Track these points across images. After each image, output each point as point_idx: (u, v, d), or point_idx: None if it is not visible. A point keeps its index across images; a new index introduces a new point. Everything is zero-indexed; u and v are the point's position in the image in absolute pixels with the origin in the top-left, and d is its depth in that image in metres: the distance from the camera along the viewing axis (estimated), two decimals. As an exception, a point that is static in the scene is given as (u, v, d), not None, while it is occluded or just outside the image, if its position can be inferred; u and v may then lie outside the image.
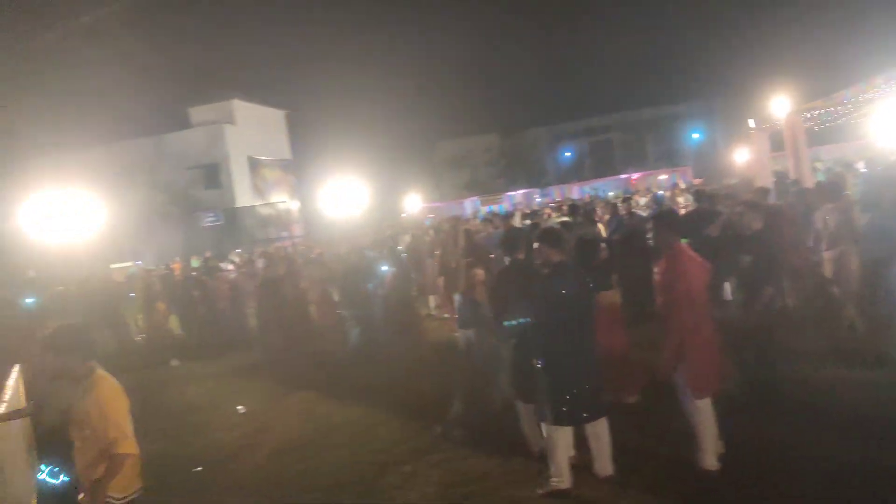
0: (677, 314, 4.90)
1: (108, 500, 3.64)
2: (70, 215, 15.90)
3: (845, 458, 4.69)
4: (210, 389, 9.66)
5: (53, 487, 4.93)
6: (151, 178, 34.70)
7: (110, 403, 3.70)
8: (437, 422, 6.49)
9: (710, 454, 4.88)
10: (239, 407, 8.48)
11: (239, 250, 25.07)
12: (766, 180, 16.34)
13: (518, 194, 44.77)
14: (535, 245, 5.12)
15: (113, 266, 21.83)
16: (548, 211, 20.67)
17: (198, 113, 37.35)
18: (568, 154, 72.59)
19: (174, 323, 14.68)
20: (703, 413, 4.93)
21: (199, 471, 6.41)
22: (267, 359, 10.41)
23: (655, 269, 7.58)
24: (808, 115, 15.23)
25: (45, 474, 5.00)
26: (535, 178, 61.47)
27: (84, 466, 3.75)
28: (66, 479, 4.80)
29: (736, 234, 6.70)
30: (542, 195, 43.78)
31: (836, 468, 4.60)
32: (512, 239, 6.04)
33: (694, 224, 7.67)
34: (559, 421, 4.82)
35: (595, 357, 4.95)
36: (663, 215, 5.53)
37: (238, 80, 44.84)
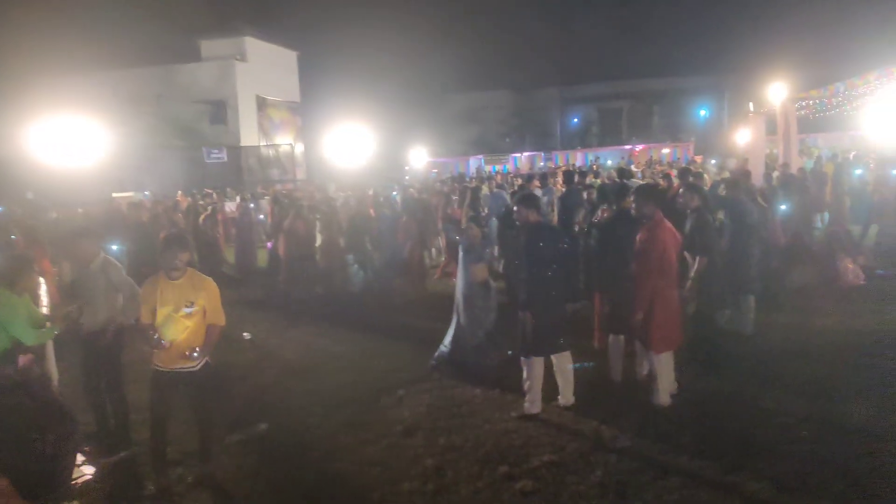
0: (650, 278, 5.59)
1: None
2: (73, 141, 16.35)
3: (769, 406, 5.62)
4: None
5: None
6: (157, 109, 34.97)
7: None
8: (428, 356, 7.25)
9: (664, 393, 5.66)
10: (245, 334, 9.21)
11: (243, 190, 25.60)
12: (760, 162, 16.98)
13: (523, 157, 45.09)
14: (516, 207, 5.84)
15: (114, 195, 22.25)
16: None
17: (209, 47, 37.30)
18: (575, 120, 72.43)
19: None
20: (664, 363, 5.68)
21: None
22: (271, 294, 11.11)
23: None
24: (803, 103, 15.76)
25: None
26: (542, 140, 61.53)
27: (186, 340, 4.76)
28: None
29: (677, 210, 7.35)
30: (546, 159, 44.10)
31: (759, 413, 5.50)
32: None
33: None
34: (534, 352, 5.62)
35: (561, 302, 5.66)
36: (644, 188, 6.12)
37: (252, 17, 44.40)
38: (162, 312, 4.71)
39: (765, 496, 4.30)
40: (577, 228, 8.82)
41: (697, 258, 6.42)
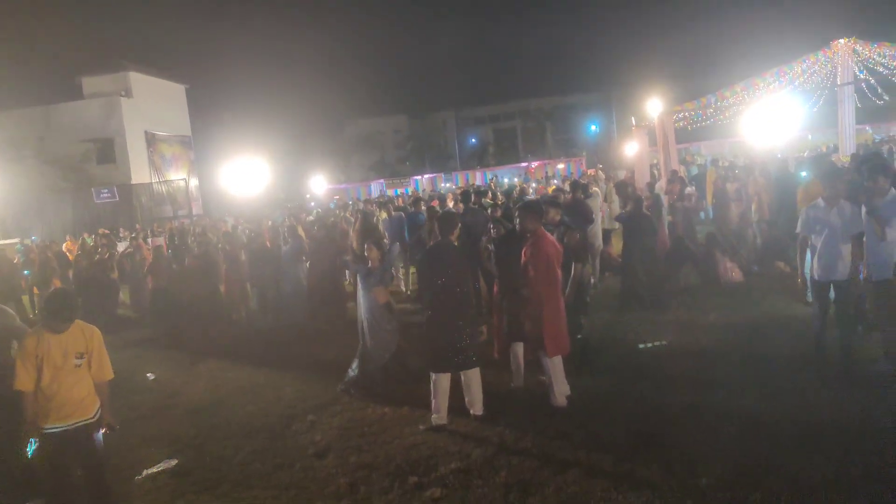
0: (539, 288, 5.95)
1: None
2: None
3: (657, 401, 6.08)
4: (115, 359, 9.94)
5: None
6: (40, 150, 33.30)
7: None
8: (337, 382, 7.36)
9: (560, 395, 6.02)
10: (149, 374, 8.99)
11: (137, 227, 24.79)
12: (646, 172, 18.06)
13: (424, 179, 45.68)
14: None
15: None
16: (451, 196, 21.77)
17: (91, 83, 35.90)
18: (473, 140, 74.29)
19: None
20: (557, 366, 6.05)
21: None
22: (167, 331, 10.84)
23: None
24: (680, 115, 16.99)
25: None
26: (441, 162, 62.66)
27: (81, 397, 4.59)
28: None
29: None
30: (447, 180, 44.85)
31: (648, 408, 5.94)
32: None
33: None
34: (439, 368, 5.85)
35: (467, 319, 5.92)
36: (528, 205, 6.51)
37: (136, 51, 43.29)
38: (49, 368, 4.46)
39: (654, 480, 4.67)
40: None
41: (573, 265, 6.84)
